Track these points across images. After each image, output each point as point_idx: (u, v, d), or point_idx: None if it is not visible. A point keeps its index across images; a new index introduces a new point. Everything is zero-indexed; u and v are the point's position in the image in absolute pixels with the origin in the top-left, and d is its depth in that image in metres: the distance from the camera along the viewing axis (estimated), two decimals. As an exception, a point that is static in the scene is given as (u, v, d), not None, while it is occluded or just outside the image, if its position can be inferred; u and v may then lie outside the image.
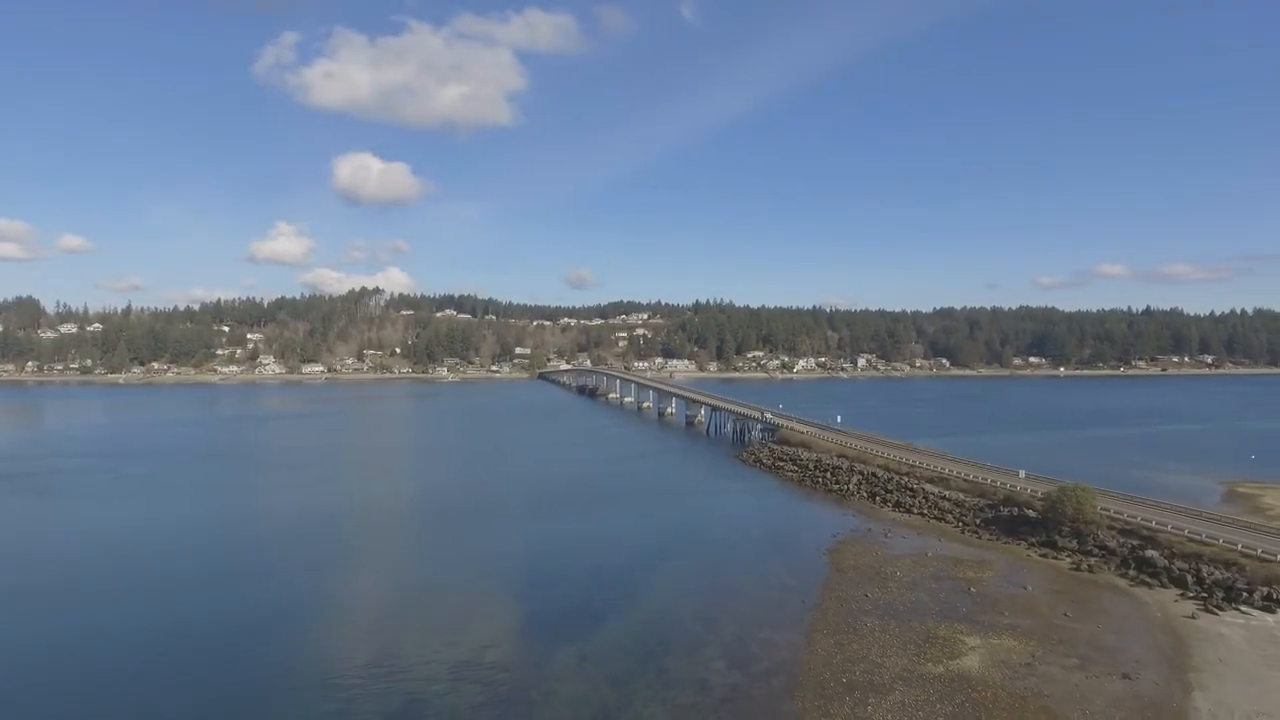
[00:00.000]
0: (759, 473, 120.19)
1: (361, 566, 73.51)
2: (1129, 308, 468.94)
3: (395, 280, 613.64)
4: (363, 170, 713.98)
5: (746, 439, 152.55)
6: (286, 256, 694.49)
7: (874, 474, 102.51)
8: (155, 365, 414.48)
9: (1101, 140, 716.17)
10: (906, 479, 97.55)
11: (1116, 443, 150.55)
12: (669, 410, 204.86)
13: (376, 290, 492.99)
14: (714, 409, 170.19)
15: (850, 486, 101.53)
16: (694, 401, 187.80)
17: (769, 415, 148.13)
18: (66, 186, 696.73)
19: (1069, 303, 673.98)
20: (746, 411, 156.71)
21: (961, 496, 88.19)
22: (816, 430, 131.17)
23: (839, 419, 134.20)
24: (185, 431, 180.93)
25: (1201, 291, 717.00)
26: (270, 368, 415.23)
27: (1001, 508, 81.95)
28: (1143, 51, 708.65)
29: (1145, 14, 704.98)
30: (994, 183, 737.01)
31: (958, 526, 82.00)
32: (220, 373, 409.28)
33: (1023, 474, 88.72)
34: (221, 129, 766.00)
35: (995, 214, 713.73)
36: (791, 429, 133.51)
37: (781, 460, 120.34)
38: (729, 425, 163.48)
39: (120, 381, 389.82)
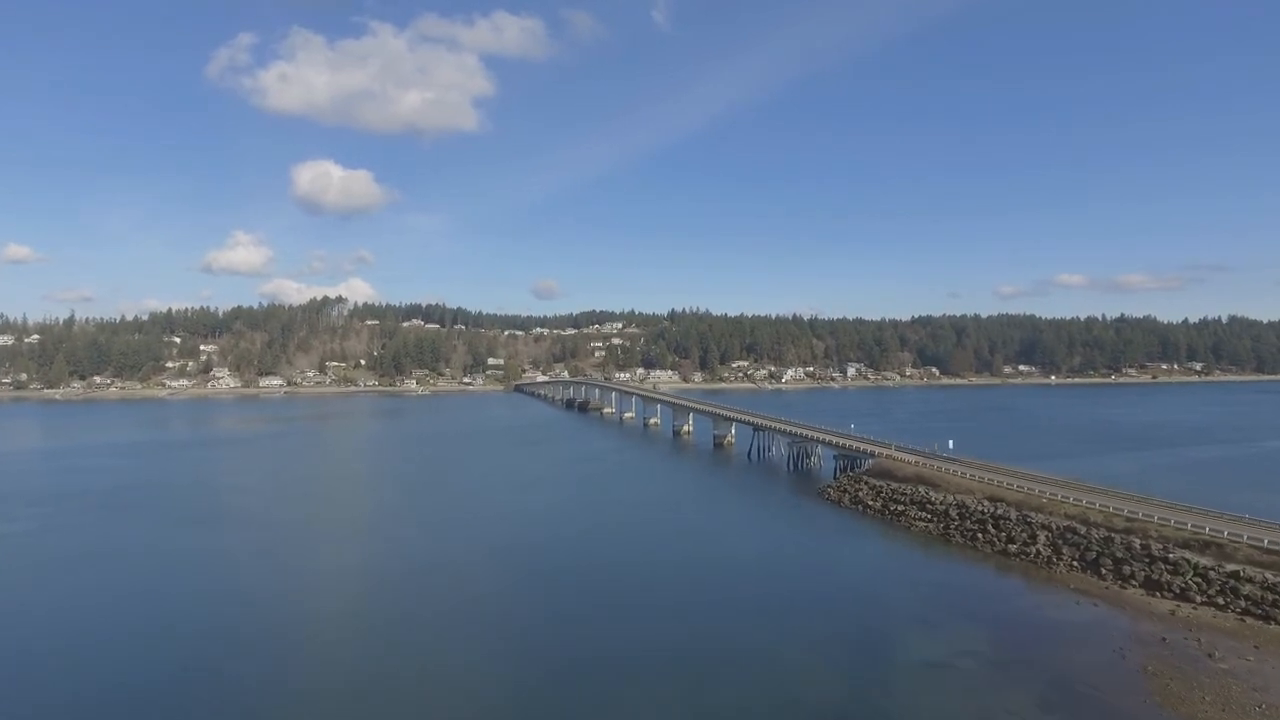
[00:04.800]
0: (859, 518, 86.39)
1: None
2: (1103, 315, 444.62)
3: (358, 291, 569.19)
4: (323, 178, 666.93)
5: (803, 467, 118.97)
6: (244, 267, 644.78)
7: (1070, 530, 68.82)
8: (97, 379, 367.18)
9: (1061, 150, 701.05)
10: (1134, 539, 63.97)
11: (1258, 466, 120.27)
12: (685, 428, 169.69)
13: (339, 299, 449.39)
14: (756, 428, 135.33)
15: (1040, 549, 67.85)
16: (722, 419, 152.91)
17: (842, 438, 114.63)
18: (9, 194, 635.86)
19: (1030, 311, 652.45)
20: (806, 432, 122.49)
21: (1270, 577, 54.81)
22: (929, 460, 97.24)
23: (950, 444, 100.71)
24: (106, 463, 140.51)
25: (1158, 299, 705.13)
26: (224, 381, 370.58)
27: (1382, 604, 48.67)
28: (1100, 62, 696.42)
29: (1106, 24, 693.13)
30: (959, 193, 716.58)
31: (1308, 634, 48.55)
32: (169, 387, 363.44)
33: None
34: (174, 134, 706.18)
35: (957, 223, 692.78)
36: (891, 457, 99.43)
37: (896, 503, 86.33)
38: (779, 450, 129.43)
39: (57, 397, 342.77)
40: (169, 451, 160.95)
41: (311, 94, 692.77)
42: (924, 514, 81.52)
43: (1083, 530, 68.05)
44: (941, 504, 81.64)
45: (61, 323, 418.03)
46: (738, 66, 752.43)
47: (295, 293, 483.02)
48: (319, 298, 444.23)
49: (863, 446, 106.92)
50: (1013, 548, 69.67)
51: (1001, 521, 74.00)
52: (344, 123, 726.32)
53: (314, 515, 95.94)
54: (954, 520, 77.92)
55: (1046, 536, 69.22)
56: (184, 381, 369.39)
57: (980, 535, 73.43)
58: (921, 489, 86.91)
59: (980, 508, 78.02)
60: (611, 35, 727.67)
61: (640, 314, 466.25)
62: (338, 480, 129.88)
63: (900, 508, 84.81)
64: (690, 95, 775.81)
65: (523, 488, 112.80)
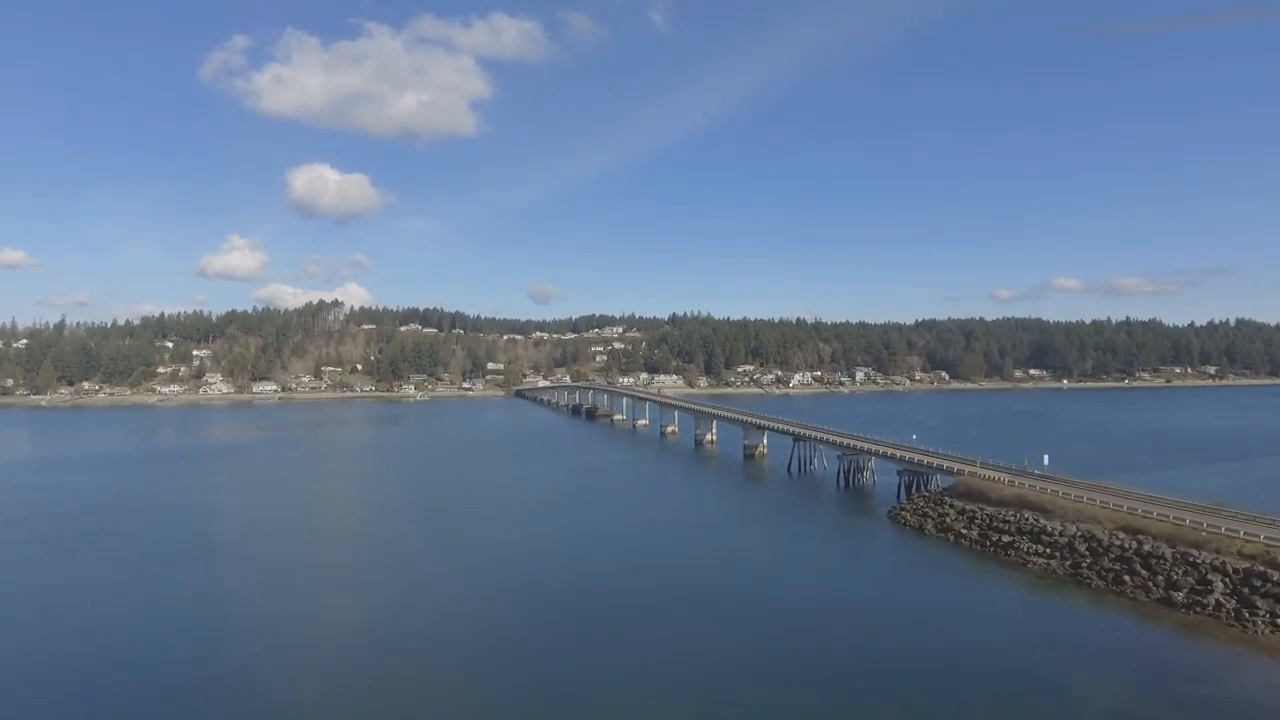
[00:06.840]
0: (948, 548, 71.19)
1: None
2: (1108, 319, 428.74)
3: (355, 296, 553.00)
4: (319, 181, 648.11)
5: (855, 484, 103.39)
6: (239, 271, 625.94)
7: (1255, 574, 53.11)
8: (86, 385, 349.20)
9: (1058, 153, 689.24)
10: (1355, 591, 48.57)
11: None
12: (709, 438, 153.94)
13: (335, 303, 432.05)
14: (796, 439, 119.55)
15: (1219, 599, 52.31)
16: (754, 427, 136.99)
17: (907, 451, 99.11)
18: (3, 198, 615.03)
19: (1028, 315, 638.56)
20: (859, 444, 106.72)
21: None
22: (1022, 478, 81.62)
23: (1046, 460, 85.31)
24: (68, 479, 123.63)
25: (1155, 303, 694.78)
26: (217, 387, 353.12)
27: None
28: (1094, 72, 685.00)
29: (1103, 28, 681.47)
30: (956, 195, 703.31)
31: None
32: (159, 393, 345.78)
33: None
34: (168, 138, 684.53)
35: (954, 226, 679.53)
36: (976, 474, 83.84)
37: (999, 531, 70.73)
38: (822, 463, 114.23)
39: (43, 404, 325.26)
40: (147, 466, 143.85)
41: (306, 96, 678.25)
42: (1040, 547, 65.90)
43: (1274, 576, 52.46)
44: (1062, 535, 66.00)
45: (51, 327, 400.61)
46: (736, 68, 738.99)
47: (291, 297, 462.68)
48: (315, 302, 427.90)
49: (935, 461, 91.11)
50: (1178, 596, 54.10)
51: (1155, 561, 58.33)
52: (340, 126, 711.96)
53: (301, 548, 79.70)
54: (1084, 557, 62.29)
55: (1225, 583, 53.61)
56: (175, 387, 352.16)
57: (1128, 578, 57.78)
58: (1029, 515, 71.26)
59: (1117, 542, 62.35)
60: (610, 37, 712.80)
61: (641, 318, 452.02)
62: (329, 503, 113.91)
63: (1006, 538, 69.20)
64: (689, 97, 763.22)
65: (533, 511, 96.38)
